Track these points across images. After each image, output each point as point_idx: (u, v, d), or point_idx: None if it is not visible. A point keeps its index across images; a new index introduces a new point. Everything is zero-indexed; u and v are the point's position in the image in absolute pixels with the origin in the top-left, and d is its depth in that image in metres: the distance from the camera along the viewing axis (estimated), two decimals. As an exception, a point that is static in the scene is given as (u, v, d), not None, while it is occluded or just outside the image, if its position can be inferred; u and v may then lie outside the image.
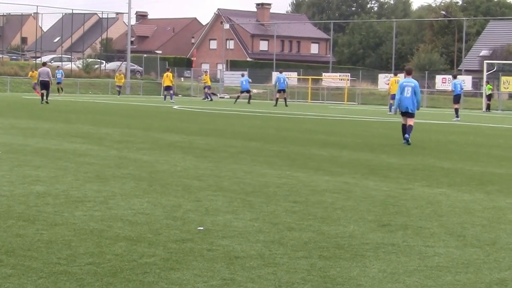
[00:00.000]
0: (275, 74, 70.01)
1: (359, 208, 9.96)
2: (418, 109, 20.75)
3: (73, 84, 68.06)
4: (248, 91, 53.32)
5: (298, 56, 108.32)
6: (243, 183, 11.93)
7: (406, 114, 20.55)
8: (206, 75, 63.33)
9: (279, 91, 50.80)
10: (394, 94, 24.93)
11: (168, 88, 53.41)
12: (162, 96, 59.76)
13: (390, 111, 40.14)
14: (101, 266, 6.62)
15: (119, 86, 66.23)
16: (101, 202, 9.79)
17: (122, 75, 68.73)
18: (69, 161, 14.22)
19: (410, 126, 20.45)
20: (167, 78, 53.16)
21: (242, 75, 58.80)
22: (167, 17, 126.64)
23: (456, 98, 39.30)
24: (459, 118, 37.12)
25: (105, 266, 6.61)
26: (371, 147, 19.58)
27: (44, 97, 41.00)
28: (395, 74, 46.02)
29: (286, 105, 49.53)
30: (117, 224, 8.41)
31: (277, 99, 51.02)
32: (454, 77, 42.93)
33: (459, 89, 39.40)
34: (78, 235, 7.82)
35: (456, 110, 38.39)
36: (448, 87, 61.83)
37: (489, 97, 53.87)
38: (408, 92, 20.52)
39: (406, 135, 20.37)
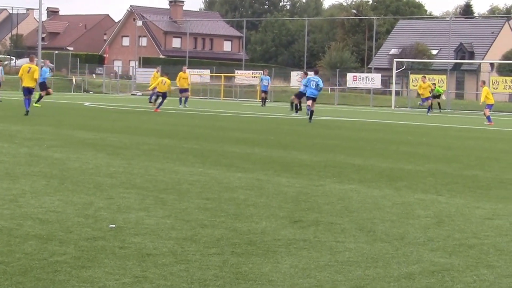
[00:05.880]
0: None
1: (271, 204, 10.03)
2: (319, 92, 31.49)
3: (-18, 81, 66.54)
4: (265, 92, 50.86)
5: (211, 53, 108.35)
6: (155, 180, 11.89)
7: (311, 98, 30.76)
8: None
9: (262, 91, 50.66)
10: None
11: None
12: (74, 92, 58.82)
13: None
14: (10, 265, 6.52)
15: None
16: (10, 200, 9.63)
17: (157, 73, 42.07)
18: (-22, 159, 13.94)
19: (312, 111, 30.40)
20: None
21: (263, 73, 54.05)
22: (79, 14, 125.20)
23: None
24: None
25: (15, 265, 6.51)
26: (284, 144, 19.73)
27: None
28: (485, 83, 39.99)
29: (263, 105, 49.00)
30: (27, 223, 8.29)
31: (262, 99, 50.51)
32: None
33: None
34: (-13, 234, 7.68)
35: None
36: (359, 84, 62.85)
37: (438, 96, 52.05)
38: (312, 85, 31.01)
39: (310, 121, 29.66)
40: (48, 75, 38.33)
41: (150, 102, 41.91)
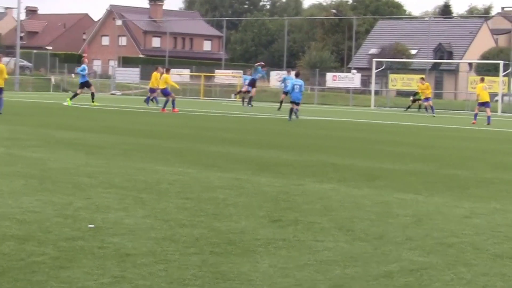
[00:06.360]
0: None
1: (250, 204, 10.03)
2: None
3: (-40, 80, 66.17)
4: (248, 91, 48.64)
5: (191, 53, 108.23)
6: (135, 180, 11.85)
7: (295, 103, 32.01)
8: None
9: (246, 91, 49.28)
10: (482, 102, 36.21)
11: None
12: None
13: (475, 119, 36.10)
14: (-12, 265, 6.48)
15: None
16: (-12, 200, 9.58)
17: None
18: (-45, 159, 13.85)
19: (297, 109, 32.17)
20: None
21: (244, 72, 52.09)
22: (58, 13, 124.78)
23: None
24: None
25: (-8, 266, 6.47)
26: (264, 143, 19.73)
27: None
28: (482, 80, 39.50)
29: (248, 105, 47.67)
30: (5, 223, 8.24)
31: (243, 99, 49.59)
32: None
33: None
34: (-36, 235, 7.63)
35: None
36: (339, 84, 62.98)
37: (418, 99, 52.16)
38: (296, 89, 32.13)
39: (294, 115, 31.68)
40: (85, 72, 38.63)
41: (152, 104, 42.00)
